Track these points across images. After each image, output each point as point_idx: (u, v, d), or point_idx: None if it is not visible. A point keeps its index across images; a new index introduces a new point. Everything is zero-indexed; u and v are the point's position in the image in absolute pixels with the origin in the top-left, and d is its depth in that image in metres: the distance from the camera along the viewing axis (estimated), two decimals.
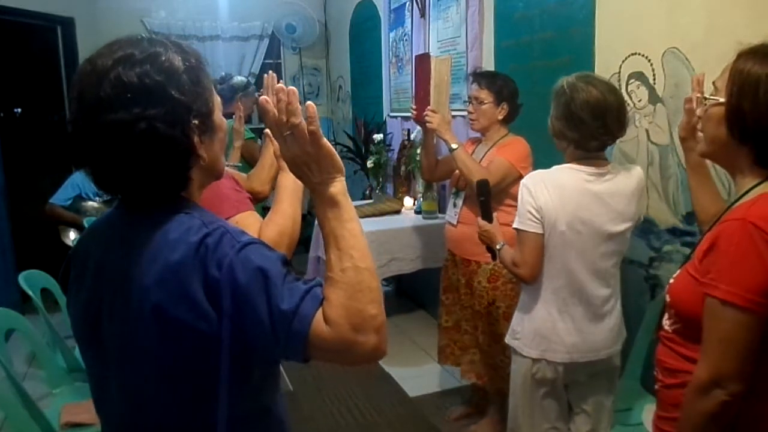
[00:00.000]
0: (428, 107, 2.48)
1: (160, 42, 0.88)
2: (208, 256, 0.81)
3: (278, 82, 1.63)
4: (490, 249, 1.96)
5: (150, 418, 0.90)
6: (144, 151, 0.82)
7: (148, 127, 0.81)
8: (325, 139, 0.87)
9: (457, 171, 2.47)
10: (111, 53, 0.84)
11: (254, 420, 0.93)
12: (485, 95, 2.43)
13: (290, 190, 1.42)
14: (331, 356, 0.83)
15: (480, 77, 2.49)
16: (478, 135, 2.59)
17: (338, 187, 0.88)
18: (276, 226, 1.37)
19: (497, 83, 2.44)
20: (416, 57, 2.73)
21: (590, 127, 1.64)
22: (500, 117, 2.44)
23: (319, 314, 0.80)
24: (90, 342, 0.95)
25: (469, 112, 2.50)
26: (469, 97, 2.52)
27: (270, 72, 1.56)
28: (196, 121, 0.87)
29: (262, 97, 0.86)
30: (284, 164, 1.41)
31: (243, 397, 0.89)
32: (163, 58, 0.84)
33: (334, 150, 0.88)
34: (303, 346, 0.79)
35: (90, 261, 0.94)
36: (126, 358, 0.89)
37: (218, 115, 0.94)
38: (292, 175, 1.39)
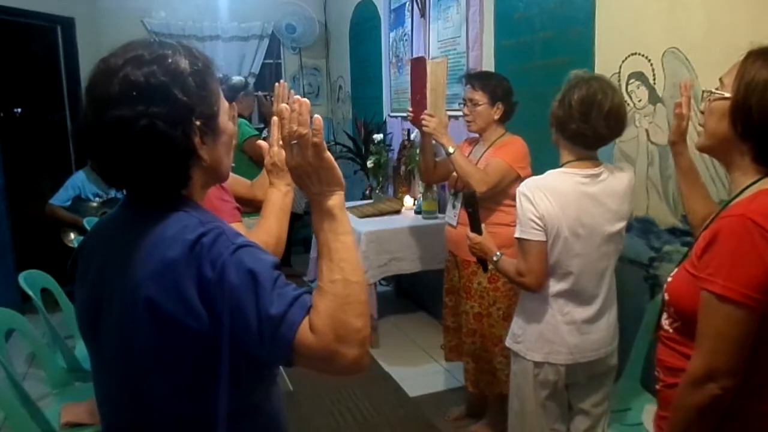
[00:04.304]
0: (425, 111, 2.47)
1: (170, 45, 0.92)
2: (203, 254, 0.83)
3: (281, 83, 1.64)
4: (481, 261, 1.96)
5: (144, 410, 0.92)
6: (143, 147, 0.85)
7: (149, 124, 0.84)
8: (328, 153, 0.89)
9: (455, 172, 2.47)
10: (123, 53, 0.88)
11: (242, 415, 0.95)
12: (479, 96, 2.42)
13: (278, 206, 1.41)
14: (314, 364, 0.84)
15: (473, 78, 2.49)
16: (475, 135, 2.59)
17: (336, 200, 0.90)
18: (260, 243, 1.35)
19: (491, 83, 2.43)
20: (411, 60, 2.72)
21: (574, 112, 1.65)
22: (496, 117, 2.44)
23: (305, 322, 0.81)
24: (91, 336, 0.97)
25: (465, 114, 2.49)
26: (463, 99, 2.51)
27: (281, 81, 1.55)
28: (198, 123, 0.89)
29: (282, 105, 0.89)
30: (273, 179, 1.43)
31: (231, 394, 0.90)
32: (170, 60, 0.88)
33: (335, 164, 0.91)
34: (288, 351, 0.81)
35: (94, 256, 0.97)
36: (121, 350, 0.91)
37: (224, 119, 0.96)
38: (280, 191, 1.43)
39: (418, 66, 2.56)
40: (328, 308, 0.82)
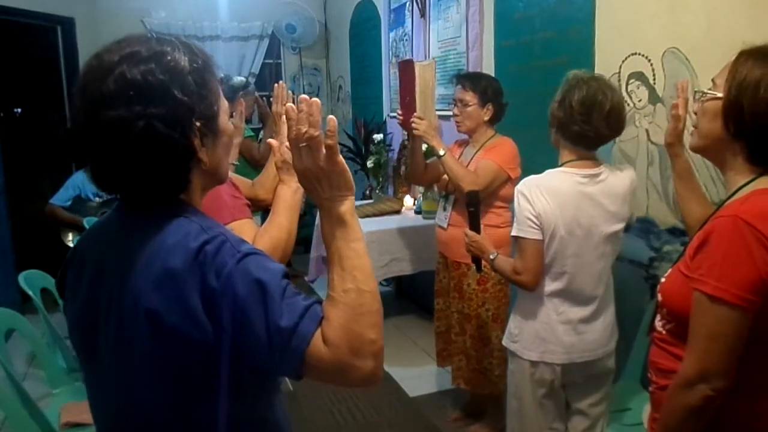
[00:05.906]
0: (414, 113, 2.46)
1: (168, 41, 0.87)
2: (207, 264, 0.79)
3: (279, 84, 1.64)
4: (476, 260, 1.96)
5: (144, 423, 0.88)
6: (141, 149, 0.81)
7: (147, 125, 0.79)
8: (341, 157, 0.84)
9: (445, 175, 2.47)
10: (119, 50, 0.83)
11: (245, 425, 0.91)
12: (470, 97, 2.43)
13: (288, 203, 1.39)
14: (326, 377, 0.80)
15: (464, 79, 2.49)
16: (465, 136, 2.59)
17: (347, 205, 0.86)
18: (271, 239, 1.34)
19: (481, 84, 2.44)
20: (400, 63, 2.72)
21: (575, 114, 1.65)
22: (486, 118, 2.44)
23: (318, 334, 0.78)
24: (86, 348, 0.93)
25: (455, 115, 2.50)
26: (453, 100, 2.51)
27: (280, 82, 1.55)
28: (198, 123, 0.85)
29: (288, 104, 0.84)
30: (284, 176, 1.40)
31: (235, 405, 0.87)
32: (169, 58, 0.83)
33: (347, 168, 0.86)
34: (299, 364, 0.78)
35: (87, 265, 0.92)
36: (120, 362, 0.87)
37: (224, 119, 0.92)
38: (291, 188, 1.41)
39: (407, 69, 2.56)
40: (340, 319, 0.78)
